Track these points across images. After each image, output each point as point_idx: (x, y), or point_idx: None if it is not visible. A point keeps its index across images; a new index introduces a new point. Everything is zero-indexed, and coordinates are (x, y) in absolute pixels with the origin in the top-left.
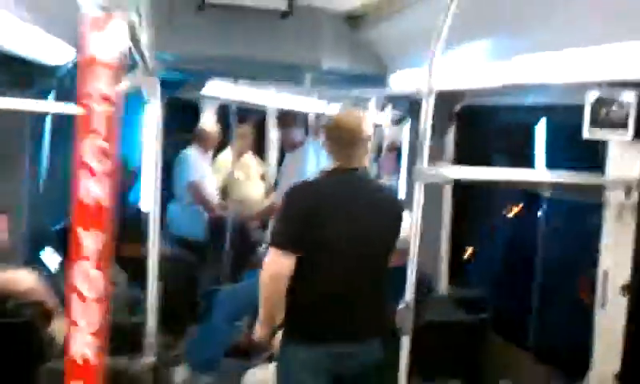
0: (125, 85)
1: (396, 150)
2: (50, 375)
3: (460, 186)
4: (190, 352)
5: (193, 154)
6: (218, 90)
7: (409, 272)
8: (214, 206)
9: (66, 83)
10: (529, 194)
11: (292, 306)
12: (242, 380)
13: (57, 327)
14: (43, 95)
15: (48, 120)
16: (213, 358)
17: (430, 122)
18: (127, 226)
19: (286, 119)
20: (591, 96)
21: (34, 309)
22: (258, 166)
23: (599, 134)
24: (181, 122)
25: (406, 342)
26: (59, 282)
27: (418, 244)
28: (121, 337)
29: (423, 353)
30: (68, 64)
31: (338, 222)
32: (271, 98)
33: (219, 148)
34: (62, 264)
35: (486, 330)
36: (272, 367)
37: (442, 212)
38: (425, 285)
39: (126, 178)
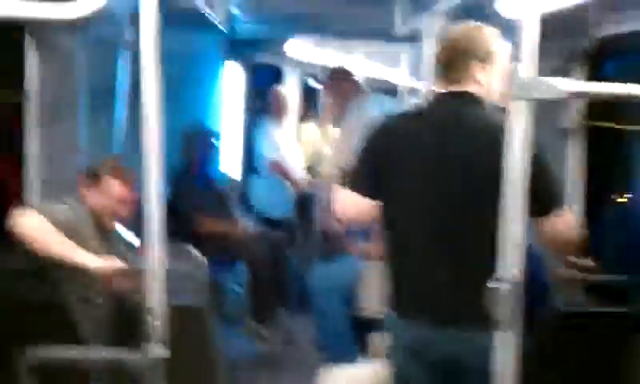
0: None
1: None
2: None
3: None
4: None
5: (269, 127)
6: (301, 51)
7: (502, 231)
8: (300, 183)
9: None
10: None
11: (386, 272)
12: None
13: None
14: None
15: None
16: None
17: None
18: (208, 198)
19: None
20: None
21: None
22: None
23: None
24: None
25: (506, 341)
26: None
27: (522, 191)
28: None
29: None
30: None
31: (421, 166)
32: (361, 61)
33: (303, 120)
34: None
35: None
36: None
37: (565, 170)
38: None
39: (203, 144)
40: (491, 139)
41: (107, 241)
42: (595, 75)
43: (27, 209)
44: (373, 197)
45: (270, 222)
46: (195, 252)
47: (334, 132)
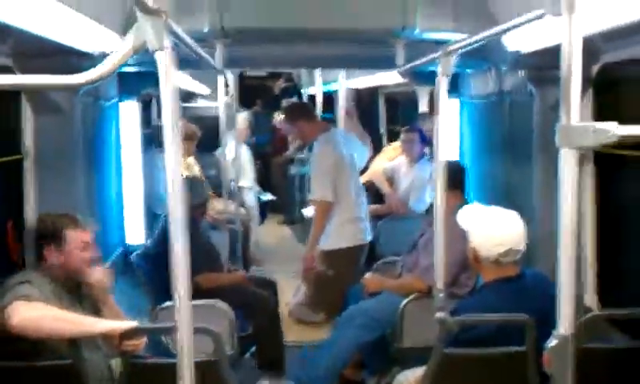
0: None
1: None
2: None
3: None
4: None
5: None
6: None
7: (562, 286)
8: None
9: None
10: None
11: None
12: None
13: None
14: None
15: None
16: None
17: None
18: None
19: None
20: None
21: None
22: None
23: None
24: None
25: None
26: None
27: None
28: None
29: None
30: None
31: None
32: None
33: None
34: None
35: None
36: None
37: (582, 206)
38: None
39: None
40: None
41: (78, 302)
42: (598, 104)
43: (15, 303)
44: None
45: None
46: (222, 306)
47: (191, 161)
